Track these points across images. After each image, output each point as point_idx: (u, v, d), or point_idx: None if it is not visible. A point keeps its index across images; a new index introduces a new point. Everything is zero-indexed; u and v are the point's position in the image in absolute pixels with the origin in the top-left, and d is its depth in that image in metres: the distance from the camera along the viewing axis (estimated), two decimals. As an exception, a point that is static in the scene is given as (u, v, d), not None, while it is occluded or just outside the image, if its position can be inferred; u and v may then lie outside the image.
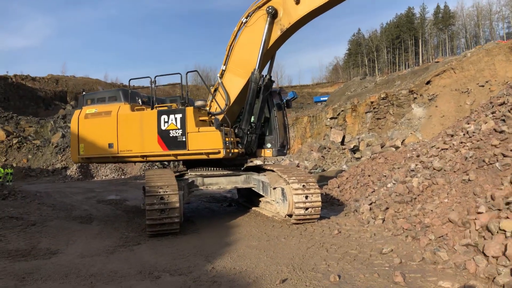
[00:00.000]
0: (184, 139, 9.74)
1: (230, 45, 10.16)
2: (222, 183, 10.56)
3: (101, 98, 10.65)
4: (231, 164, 11.02)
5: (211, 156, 9.68)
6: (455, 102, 33.07)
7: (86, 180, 35.20)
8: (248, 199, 13.30)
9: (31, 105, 63.55)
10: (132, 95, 10.72)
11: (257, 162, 25.68)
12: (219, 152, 9.54)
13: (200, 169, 10.78)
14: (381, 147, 30.73)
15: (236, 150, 10.10)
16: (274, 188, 9.87)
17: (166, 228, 8.39)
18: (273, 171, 10.40)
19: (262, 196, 11.75)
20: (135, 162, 11.73)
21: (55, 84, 72.69)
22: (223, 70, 10.29)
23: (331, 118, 57.36)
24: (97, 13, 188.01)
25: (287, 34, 9.94)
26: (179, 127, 9.79)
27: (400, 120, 45.49)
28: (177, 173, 10.79)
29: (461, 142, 9.42)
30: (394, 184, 10.14)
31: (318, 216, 9.34)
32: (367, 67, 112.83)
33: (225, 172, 10.72)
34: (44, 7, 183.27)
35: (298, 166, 26.65)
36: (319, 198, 9.18)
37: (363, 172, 13.62)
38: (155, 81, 10.31)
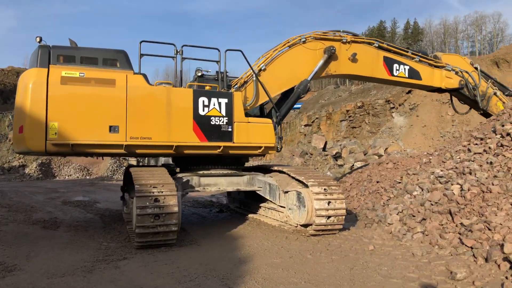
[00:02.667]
0: (230, 129, 8.19)
1: (279, 50, 9.56)
2: (222, 184, 8.88)
3: (89, 58, 7.42)
4: (230, 163, 9.38)
5: (264, 151, 8.71)
6: (436, 112, 32.87)
7: (47, 179, 32.23)
8: (242, 204, 11.66)
9: (-12, 98, 58.93)
10: None
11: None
12: (274, 148, 8.65)
13: (194, 167, 9.05)
14: (364, 155, 29.91)
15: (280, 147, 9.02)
16: (286, 192, 8.32)
17: (160, 238, 6.63)
18: (283, 172, 8.85)
19: (261, 202, 10.22)
20: (153, 155, 9.14)
21: (16, 76, 67.80)
22: (261, 68, 9.19)
23: (305, 125, 56.80)
24: (67, 8, 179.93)
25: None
26: (224, 114, 8.16)
27: (377, 129, 45.28)
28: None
29: (502, 145, 8.26)
30: (421, 191, 8.84)
31: (341, 226, 7.88)
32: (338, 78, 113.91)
33: (225, 172, 9.05)
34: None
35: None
36: (344, 205, 7.72)
37: (369, 178, 12.31)
38: (182, 51, 8.15)
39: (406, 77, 11.40)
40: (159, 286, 4.81)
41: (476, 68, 12.74)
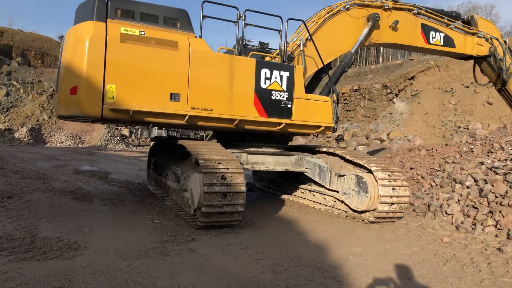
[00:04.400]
0: (289, 106, 7.63)
1: (324, 18, 8.95)
2: (270, 163, 8.36)
3: (149, 15, 6.55)
4: (276, 141, 8.86)
5: (322, 131, 8.16)
6: (439, 100, 32.82)
7: (38, 145, 31.03)
8: (272, 183, 11.18)
9: (-31, 56, 56.24)
10: None
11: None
12: (331, 128, 8.09)
13: (239, 144, 8.49)
14: (366, 139, 29.78)
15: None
16: (341, 176, 7.87)
17: (225, 218, 6.11)
18: (333, 154, 8.40)
19: (295, 183, 9.81)
20: (213, 128, 8.17)
21: (0, 37, 64.85)
22: (307, 38, 8.45)
23: (299, 105, 55.89)
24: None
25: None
26: (285, 89, 7.57)
27: (372, 113, 45.22)
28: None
29: None
30: (474, 182, 8.52)
31: (402, 214, 7.53)
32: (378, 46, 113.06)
33: (273, 151, 8.53)
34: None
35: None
36: (407, 192, 7.34)
37: (401, 164, 11.99)
38: (245, 16, 7.37)
39: (441, 45, 11.16)
40: (257, 275, 4.32)
41: (505, 42, 12.53)
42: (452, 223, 7.42)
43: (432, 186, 9.70)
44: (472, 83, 31.95)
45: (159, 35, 6.56)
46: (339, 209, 8.26)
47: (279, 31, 7.76)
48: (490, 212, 7.15)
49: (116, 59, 6.20)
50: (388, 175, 7.27)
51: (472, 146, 10.78)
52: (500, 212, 6.94)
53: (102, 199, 8.41)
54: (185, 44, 6.68)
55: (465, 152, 10.71)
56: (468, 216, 7.37)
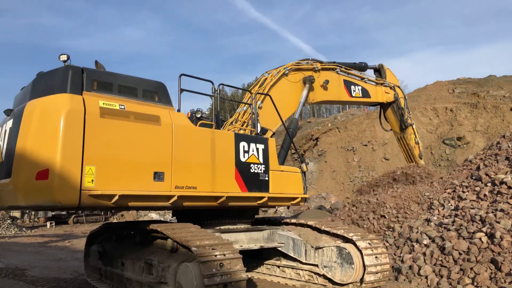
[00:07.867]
0: (267, 178, 7.42)
1: (270, 85, 9.78)
2: (242, 241, 7.81)
3: (128, 88, 5.96)
4: (241, 216, 8.40)
5: (297, 203, 8.04)
6: (343, 158, 35.60)
7: None
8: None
9: None
10: None
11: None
12: (304, 199, 8.04)
13: (207, 222, 7.84)
14: (284, 200, 30.41)
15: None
16: (319, 248, 7.66)
17: (228, 316, 5.35)
18: (305, 225, 8.21)
19: (257, 258, 9.32)
20: (198, 208, 6.99)
21: None
22: (259, 107, 9.05)
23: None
24: None
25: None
26: (262, 162, 7.37)
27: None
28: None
29: (500, 193, 9.00)
30: (430, 240, 9.00)
31: (384, 283, 7.48)
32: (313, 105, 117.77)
33: (244, 227, 8.04)
34: None
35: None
36: (388, 259, 7.38)
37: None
38: (219, 90, 7.20)
39: (360, 97, 12.77)
40: None
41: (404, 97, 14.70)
42: (428, 285, 7.61)
43: (387, 247, 10.00)
44: (369, 142, 35.55)
45: (140, 109, 5.95)
46: (316, 283, 7.93)
47: (250, 105, 7.76)
48: (461, 270, 7.52)
49: (96, 136, 5.36)
50: (368, 243, 7.27)
51: (410, 204, 11.57)
52: (472, 269, 7.33)
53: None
54: (167, 119, 6.17)
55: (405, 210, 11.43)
56: (442, 277, 7.64)
